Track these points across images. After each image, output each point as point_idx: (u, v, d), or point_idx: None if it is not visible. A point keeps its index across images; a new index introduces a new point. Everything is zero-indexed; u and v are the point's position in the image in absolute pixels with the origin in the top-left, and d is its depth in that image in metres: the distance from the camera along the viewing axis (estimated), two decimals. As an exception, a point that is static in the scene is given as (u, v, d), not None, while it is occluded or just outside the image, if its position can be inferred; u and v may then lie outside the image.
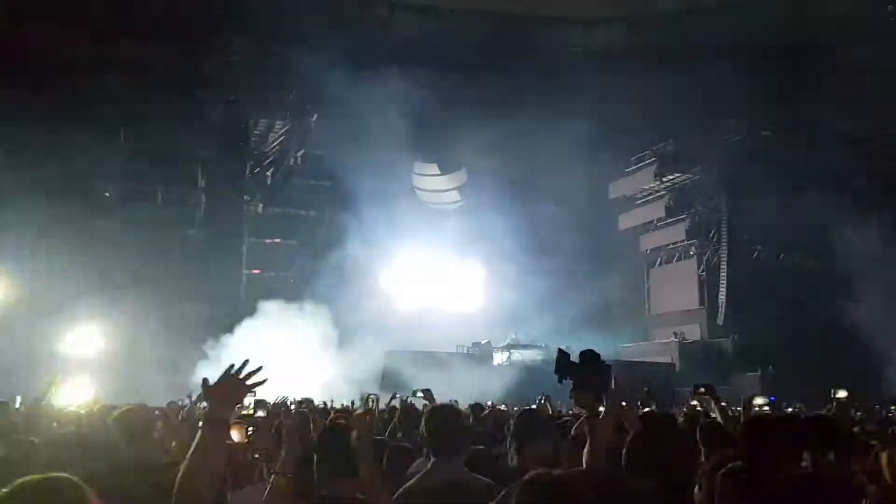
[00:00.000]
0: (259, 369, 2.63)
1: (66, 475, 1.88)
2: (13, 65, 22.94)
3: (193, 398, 7.42)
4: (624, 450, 3.27)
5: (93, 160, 24.95)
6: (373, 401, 4.41)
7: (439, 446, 3.61)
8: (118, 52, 24.90)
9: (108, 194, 26.08)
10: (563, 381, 3.40)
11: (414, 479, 3.52)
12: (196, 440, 2.38)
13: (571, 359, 3.46)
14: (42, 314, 21.45)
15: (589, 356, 3.49)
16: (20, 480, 1.82)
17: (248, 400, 7.53)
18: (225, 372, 2.59)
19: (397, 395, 9.94)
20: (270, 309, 23.01)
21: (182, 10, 22.67)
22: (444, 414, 3.82)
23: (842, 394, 7.35)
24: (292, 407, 8.62)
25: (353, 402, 12.49)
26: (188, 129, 26.91)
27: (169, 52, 24.96)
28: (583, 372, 3.43)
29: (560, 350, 3.56)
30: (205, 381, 2.67)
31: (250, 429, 4.05)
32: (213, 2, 23.96)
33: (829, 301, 24.54)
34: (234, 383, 2.59)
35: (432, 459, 3.58)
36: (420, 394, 7.37)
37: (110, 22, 24.03)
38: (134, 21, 23.49)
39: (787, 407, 12.62)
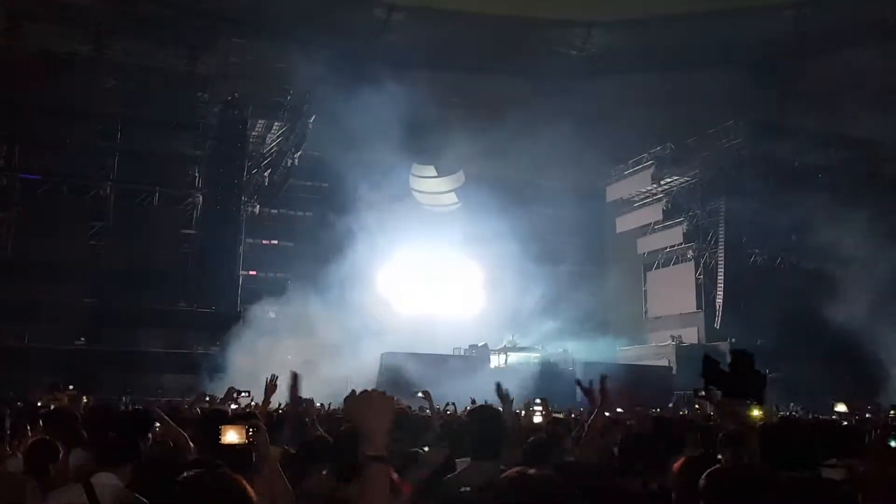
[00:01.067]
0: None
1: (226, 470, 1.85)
2: (12, 62, 22.90)
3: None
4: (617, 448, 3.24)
5: (90, 160, 24.97)
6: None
7: (478, 448, 3.54)
8: (117, 53, 24.91)
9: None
10: (711, 388, 3.13)
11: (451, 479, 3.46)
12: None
13: (721, 364, 3.15)
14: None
15: (740, 357, 3.18)
16: (184, 475, 1.80)
17: (245, 401, 7.49)
18: (360, 393, 2.19)
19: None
20: (267, 310, 22.97)
21: (181, 12, 22.66)
22: (484, 415, 3.78)
23: (840, 407, 7.32)
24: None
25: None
26: (186, 130, 26.90)
27: (167, 53, 24.94)
28: (733, 378, 3.11)
29: (706, 356, 3.27)
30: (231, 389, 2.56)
31: (250, 429, 4.01)
32: (212, 4, 23.91)
33: (827, 304, 24.53)
34: (375, 399, 2.15)
35: (468, 460, 3.51)
36: (420, 394, 7.35)
37: (109, 22, 24.00)
38: (133, 22, 23.44)
39: (785, 410, 12.62)
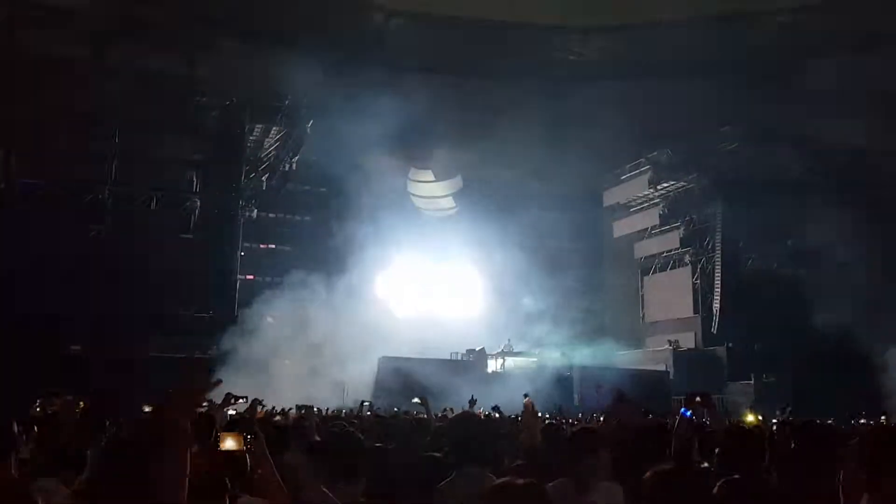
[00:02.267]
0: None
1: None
2: (9, 67, 22.91)
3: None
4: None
5: (88, 164, 24.98)
6: (367, 406, 4.38)
7: (461, 456, 3.57)
8: (115, 58, 24.93)
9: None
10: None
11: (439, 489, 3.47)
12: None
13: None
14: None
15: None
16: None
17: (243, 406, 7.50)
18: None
19: (365, 403, 10.06)
20: (264, 314, 22.99)
21: (179, 16, 22.71)
22: (468, 423, 3.79)
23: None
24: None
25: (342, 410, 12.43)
26: (184, 135, 26.92)
27: (165, 57, 24.97)
28: None
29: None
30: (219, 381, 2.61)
31: (248, 436, 4.02)
32: (211, 7, 23.96)
33: (824, 309, 24.60)
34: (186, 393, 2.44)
35: (455, 470, 3.53)
36: (417, 400, 7.40)
37: (107, 27, 24.03)
38: (131, 27, 23.47)
39: (780, 415, 12.66)
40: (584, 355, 26.08)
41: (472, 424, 3.81)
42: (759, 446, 3.63)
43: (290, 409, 12.97)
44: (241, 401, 7.48)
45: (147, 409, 7.39)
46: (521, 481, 2.17)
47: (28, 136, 23.66)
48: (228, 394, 7.23)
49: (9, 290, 21.38)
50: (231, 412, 6.98)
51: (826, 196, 24.81)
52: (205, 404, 7.47)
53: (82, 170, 24.95)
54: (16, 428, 4.22)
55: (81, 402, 9.49)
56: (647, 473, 2.53)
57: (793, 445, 3.37)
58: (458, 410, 9.67)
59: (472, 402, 8.24)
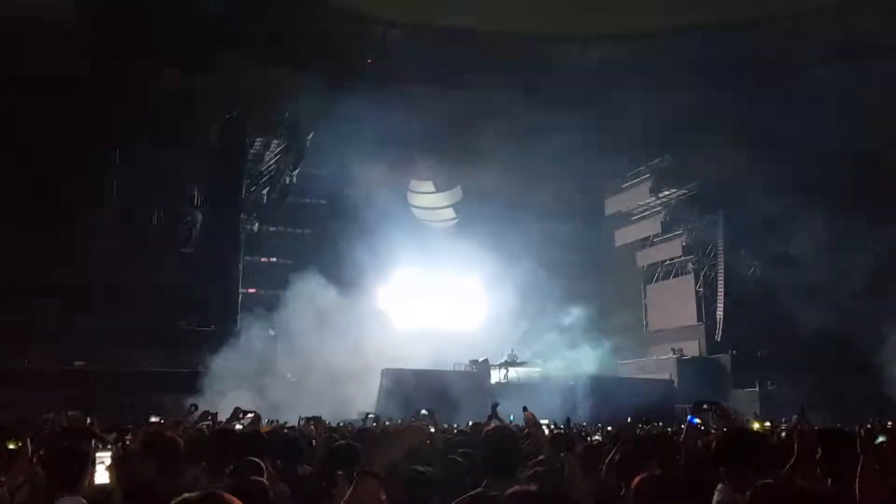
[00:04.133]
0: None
1: (222, 492, 1.84)
2: (9, 84, 22.97)
3: (196, 415, 7.35)
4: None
5: (89, 179, 25.01)
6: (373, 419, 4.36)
7: (494, 469, 3.55)
8: (114, 73, 24.98)
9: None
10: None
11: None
12: None
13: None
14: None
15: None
16: (181, 497, 1.80)
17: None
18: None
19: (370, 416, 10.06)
20: (266, 328, 22.95)
21: (179, 29, 22.75)
22: (499, 436, 3.77)
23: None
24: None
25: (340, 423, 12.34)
26: (184, 149, 26.95)
27: (165, 72, 25.02)
28: None
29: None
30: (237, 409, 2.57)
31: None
32: (211, 21, 24.02)
33: (828, 316, 24.49)
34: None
35: (485, 481, 3.51)
36: (425, 412, 7.32)
37: (107, 41, 24.08)
38: (131, 40, 23.53)
39: (798, 419, 12.52)
40: (588, 365, 25.97)
41: (506, 439, 3.79)
42: (758, 449, 3.63)
43: (291, 423, 12.89)
44: (248, 416, 7.45)
45: (154, 419, 7.35)
46: (534, 489, 2.23)
47: (28, 152, 23.69)
48: (237, 408, 7.20)
49: (11, 304, 21.40)
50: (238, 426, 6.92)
51: (829, 202, 24.74)
52: (209, 418, 7.43)
53: (83, 185, 24.94)
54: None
55: (87, 418, 9.46)
56: (635, 479, 2.56)
57: (818, 451, 3.36)
58: (463, 423, 9.60)
59: (495, 405, 7.98)
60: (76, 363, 22.08)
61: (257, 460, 4.09)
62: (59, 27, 23.23)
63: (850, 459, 3.09)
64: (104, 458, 3.58)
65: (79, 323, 22.54)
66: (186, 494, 1.81)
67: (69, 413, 10.22)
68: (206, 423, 7.33)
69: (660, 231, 32.58)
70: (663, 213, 32.36)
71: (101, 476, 3.50)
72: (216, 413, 7.64)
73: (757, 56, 26.29)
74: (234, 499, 1.80)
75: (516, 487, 2.30)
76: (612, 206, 34.56)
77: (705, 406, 4.88)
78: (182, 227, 27.16)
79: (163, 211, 26.85)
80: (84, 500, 3.40)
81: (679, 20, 26.32)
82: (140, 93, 24.92)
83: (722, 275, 29.72)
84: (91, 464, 3.61)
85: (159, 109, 25.19)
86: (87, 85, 24.40)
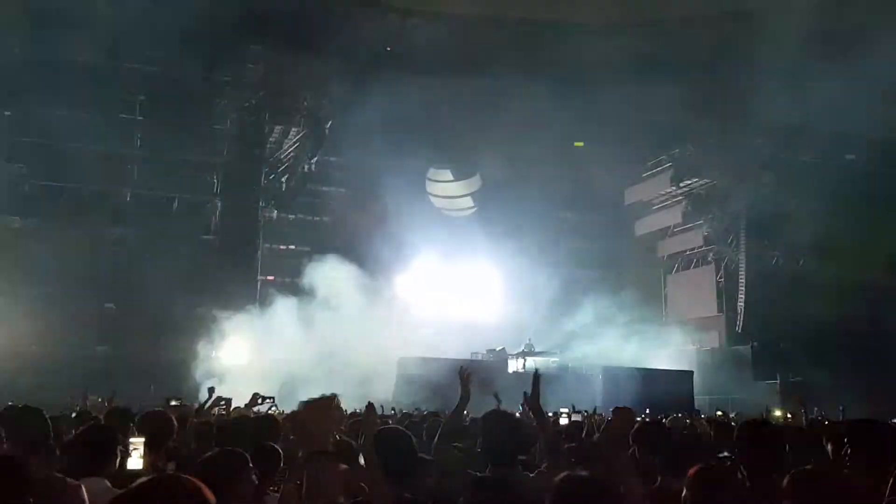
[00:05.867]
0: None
1: (185, 476, 1.81)
2: (32, 72, 23.16)
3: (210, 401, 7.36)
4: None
5: (110, 167, 25.20)
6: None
7: (493, 456, 3.51)
8: (135, 61, 25.10)
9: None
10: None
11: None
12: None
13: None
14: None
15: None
16: (144, 479, 1.75)
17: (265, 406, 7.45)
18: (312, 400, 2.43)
19: None
20: (284, 315, 23.00)
21: (199, 18, 22.76)
22: (497, 423, 3.72)
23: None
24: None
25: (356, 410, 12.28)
26: (204, 137, 27.07)
27: (185, 60, 25.09)
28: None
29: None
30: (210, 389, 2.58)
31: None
32: (230, 10, 24.03)
33: (850, 307, 24.18)
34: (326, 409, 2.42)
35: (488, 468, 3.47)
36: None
37: (128, 30, 24.18)
38: (151, 29, 23.60)
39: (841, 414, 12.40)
40: (606, 355, 25.81)
41: (504, 425, 3.72)
42: (776, 440, 3.59)
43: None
44: (267, 401, 7.47)
45: (173, 402, 7.39)
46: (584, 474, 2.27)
47: (51, 140, 23.89)
48: (255, 394, 7.22)
49: (35, 290, 21.65)
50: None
51: (854, 192, 24.40)
52: (222, 403, 7.44)
53: (105, 173, 25.13)
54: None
55: (107, 403, 9.54)
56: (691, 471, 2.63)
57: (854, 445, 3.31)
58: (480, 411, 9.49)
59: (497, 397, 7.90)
60: (97, 349, 22.39)
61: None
62: (83, 16, 23.39)
63: (885, 453, 3.05)
64: (137, 444, 3.53)
65: (100, 309, 22.79)
66: (146, 478, 1.78)
67: (90, 398, 10.32)
68: (220, 407, 7.33)
69: (680, 221, 32.27)
70: (684, 202, 32.04)
71: (135, 462, 3.48)
72: (230, 399, 7.65)
73: (779, 42, 25.86)
74: (193, 481, 1.75)
75: (566, 472, 2.30)
76: (633, 195, 34.25)
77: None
78: (202, 214, 27.30)
79: (183, 198, 27.00)
80: (108, 482, 3.39)
81: (697, 8, 25.97)
82: (161, 82, 25.05)
83: (743, 265, 29.41)
84: (123, 449, 3.62)
85: (179, 98, 25.31)
86: (109, 72, 24.56)
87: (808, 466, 2.77)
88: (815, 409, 13.77)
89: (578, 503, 2.22)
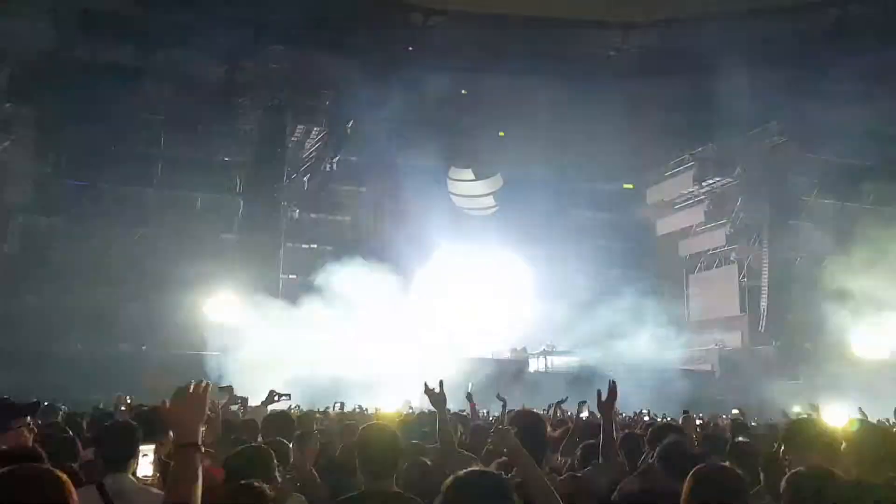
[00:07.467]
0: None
1: (45, 466, 1.86)
2: (57, 71, 23.49)
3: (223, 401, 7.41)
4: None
5: (134, 166, 25.50)
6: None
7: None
8: (159, 61, 25.37)
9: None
10: None
11: None
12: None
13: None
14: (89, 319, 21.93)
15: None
16: (6, 469, 1.80)
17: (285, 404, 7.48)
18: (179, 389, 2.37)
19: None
20: (306, 311, 23.10)
21: (221, 19, 22.96)
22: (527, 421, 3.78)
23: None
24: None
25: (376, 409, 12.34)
26: (227, 136, 27.30)
27: (208, 60, 25.33)
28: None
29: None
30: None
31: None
32: (252, 11, 24.22)
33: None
34: (194, 400, 2.35)
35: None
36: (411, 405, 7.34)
37: (152, 30, 24.46)
38: (174, 30, 23.83)
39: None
40: (627, 355, 25.67)
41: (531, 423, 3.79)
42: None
43: (328, 407, 13.01)
44: (283, 398, 7.49)
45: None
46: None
47: (76, 139, 24.22)
48: (272, 391, 7.26)
49: (61, 288, 21.96)
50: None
51: (875, 191, 24.09)
52: (238, 401, 7.50)
53: (128, 172, 25.42)
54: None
55: (128, 399, 9.68)
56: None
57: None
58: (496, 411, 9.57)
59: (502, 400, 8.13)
60: (122, 346, 22.64)
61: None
62: (108, 16, 23.71)
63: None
64: (147, 451, 3.48)
65: (123, 307, 23.02)
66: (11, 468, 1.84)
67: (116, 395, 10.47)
68: (236, 405, 7.39)
69: (703, 220, 32.01)
70: (706, 201, 31.78)
71: (144, 469, 3.48)
72: (246, 398, 7.69)
73: (803, 40, 25.61)
74: (55, 472, 1.83)
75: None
76: (654, 194, 34.01)
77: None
78: (224, 213, 27.51)
79: (205, 197, 27.24)
80: (132, 478, 3.44)
81: (723, 5, 25.74)
82: (184, 81, 25.29)
83: (766, 265, 29.12)
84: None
85: (202, 97, 25.54)
86: (133, 73, 24.85)
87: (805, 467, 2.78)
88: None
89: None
